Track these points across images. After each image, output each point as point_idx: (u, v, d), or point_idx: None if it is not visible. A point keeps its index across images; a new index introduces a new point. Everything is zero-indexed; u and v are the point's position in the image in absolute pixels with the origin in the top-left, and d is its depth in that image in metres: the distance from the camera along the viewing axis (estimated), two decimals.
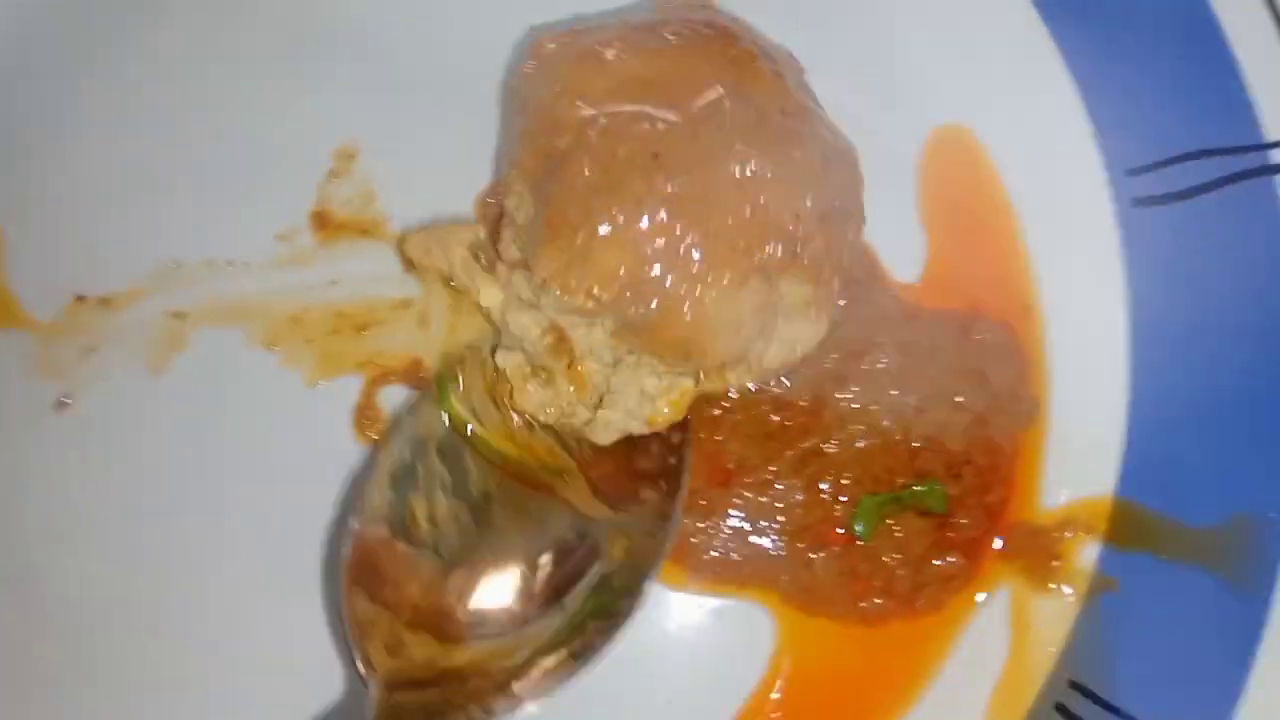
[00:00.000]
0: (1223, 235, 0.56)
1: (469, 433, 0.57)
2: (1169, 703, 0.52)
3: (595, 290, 0.49)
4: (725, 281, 0.49)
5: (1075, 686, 0.53)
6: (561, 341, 0.53)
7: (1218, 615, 0.52)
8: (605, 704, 0.55)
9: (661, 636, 0.57)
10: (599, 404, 0.54)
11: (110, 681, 0.56)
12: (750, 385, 0.57)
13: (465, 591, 0.54)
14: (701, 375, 0.54)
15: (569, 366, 0.53)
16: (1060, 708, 0.53)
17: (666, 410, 0.54)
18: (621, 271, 0.49)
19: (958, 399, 0.58)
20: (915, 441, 0.57)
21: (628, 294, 0.49)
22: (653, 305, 0.49)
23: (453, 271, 0.57)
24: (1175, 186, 0.57)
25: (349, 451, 0.58)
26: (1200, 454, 0.55)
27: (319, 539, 0.57)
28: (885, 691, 0.56)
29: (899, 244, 0.60)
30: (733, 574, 0.57)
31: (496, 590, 0.54)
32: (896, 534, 0.57)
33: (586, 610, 0.53)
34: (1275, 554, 0.52)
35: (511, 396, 0.56)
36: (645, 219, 0.49)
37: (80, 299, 0.59)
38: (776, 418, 0.57)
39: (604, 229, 0.49)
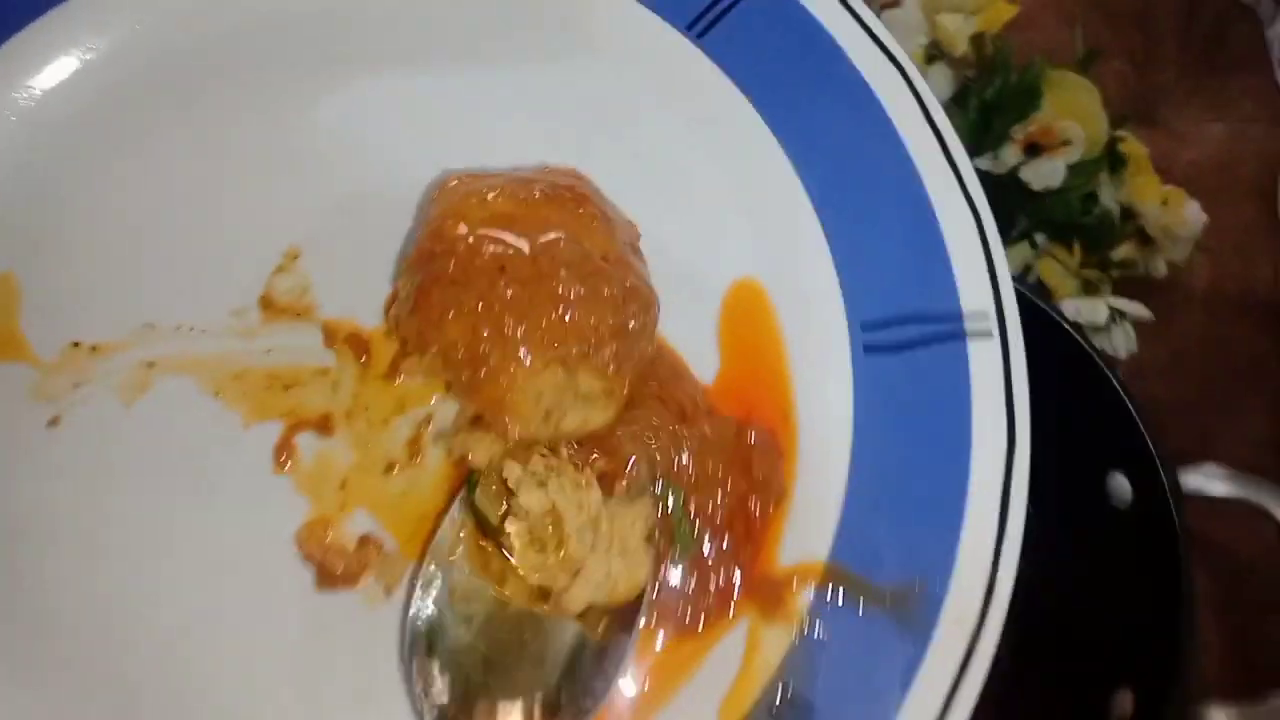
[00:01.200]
0: (924, 381, 0.77)
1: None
2: (852, 706, 0.71)
3: (439, 351, 0.70)
4: (534, 364, 0.70)
5: (786, 693, 0.73)
6: (558, 523, 0.70)
7: (891, 647, 0.71)
8: None
9: None
10: (575, 576, 0.70)
11: (80, 676, 0.69)
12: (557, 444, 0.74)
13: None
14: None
15: (559, 544, 0.70)
16: (775, 709, 0.73)
17: (623, 590, 0.71)
18: (460, 342, 0.70)
19: (728, 480, 0.78)
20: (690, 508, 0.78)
21: (462, 360, 0.70)
22: (479, 372, 0.70)
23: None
24: (893, 340, 0.79)
25: (269, 476, 0.75)
26: (890, 536, 0.75)
27: (253, 543, 0.73)
28: (643, 697, 0.74)
29: (703, 357, 0.80)
30: None
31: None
32: None
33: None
34: (934, 608, 0.72)
35: (508, 553, 0.71)
36: (484, 309, 0.70)
37: (76, 344, 0.77)
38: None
39: (454, 311, 0.70)
